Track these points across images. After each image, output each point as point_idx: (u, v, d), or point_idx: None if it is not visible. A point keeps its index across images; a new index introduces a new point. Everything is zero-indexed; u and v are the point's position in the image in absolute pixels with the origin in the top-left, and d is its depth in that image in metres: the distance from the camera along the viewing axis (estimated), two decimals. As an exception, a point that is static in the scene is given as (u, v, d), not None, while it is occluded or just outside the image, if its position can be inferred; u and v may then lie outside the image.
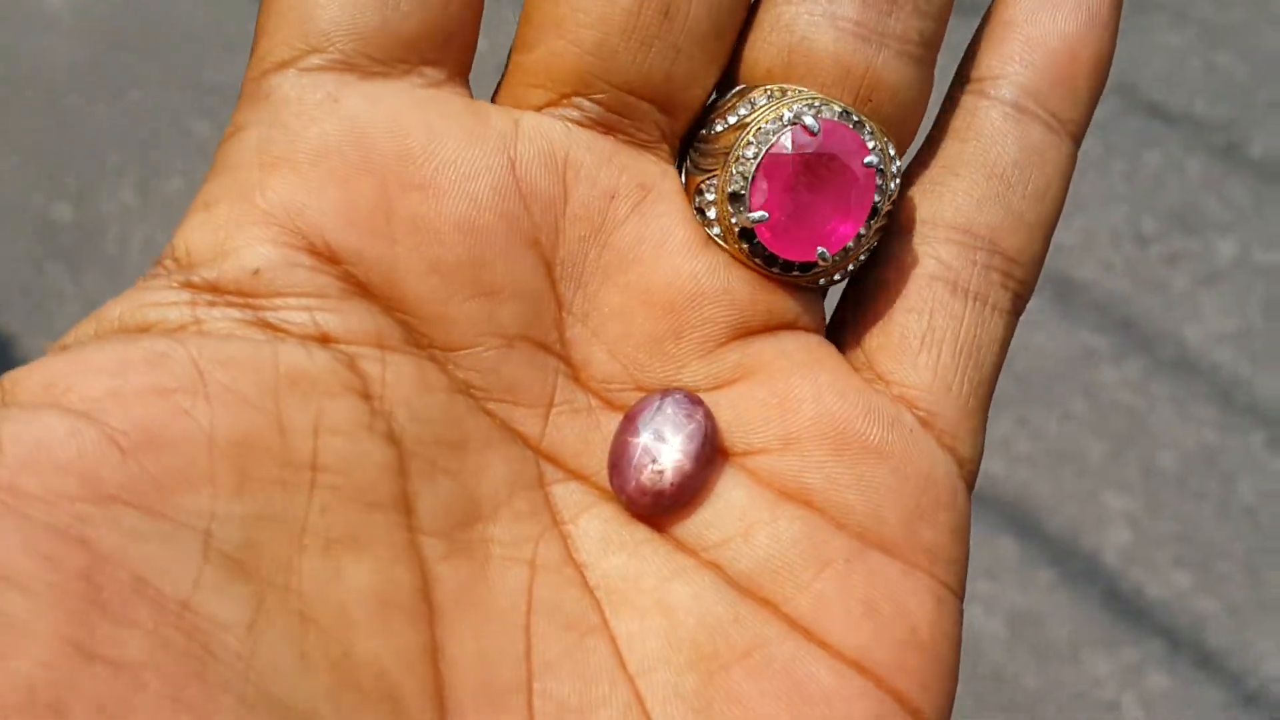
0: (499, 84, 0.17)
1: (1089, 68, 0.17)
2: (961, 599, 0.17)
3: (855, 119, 0.17)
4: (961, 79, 0.18)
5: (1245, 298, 1.07)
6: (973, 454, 0.17)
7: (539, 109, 0.16)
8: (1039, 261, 0.17)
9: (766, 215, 0.16)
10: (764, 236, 0.16)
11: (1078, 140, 0.18)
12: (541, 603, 0.15)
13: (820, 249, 0.17)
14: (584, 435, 0.16)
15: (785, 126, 0.16)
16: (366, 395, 0.15)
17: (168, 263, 0.15)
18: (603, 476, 0.16)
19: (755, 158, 0.16)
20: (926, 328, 0.17)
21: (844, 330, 0.18)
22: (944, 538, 0.17)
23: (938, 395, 0.17)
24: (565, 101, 0.16)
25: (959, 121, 0.18)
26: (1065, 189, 0.18)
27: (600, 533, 0.16)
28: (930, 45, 0.17)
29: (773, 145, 0.16)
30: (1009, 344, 0.17)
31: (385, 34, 0.16)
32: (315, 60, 0.16)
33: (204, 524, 0.13)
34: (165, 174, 1.03)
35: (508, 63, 0.17)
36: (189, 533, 0.13)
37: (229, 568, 0.13)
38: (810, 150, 0.16)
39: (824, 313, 0.18)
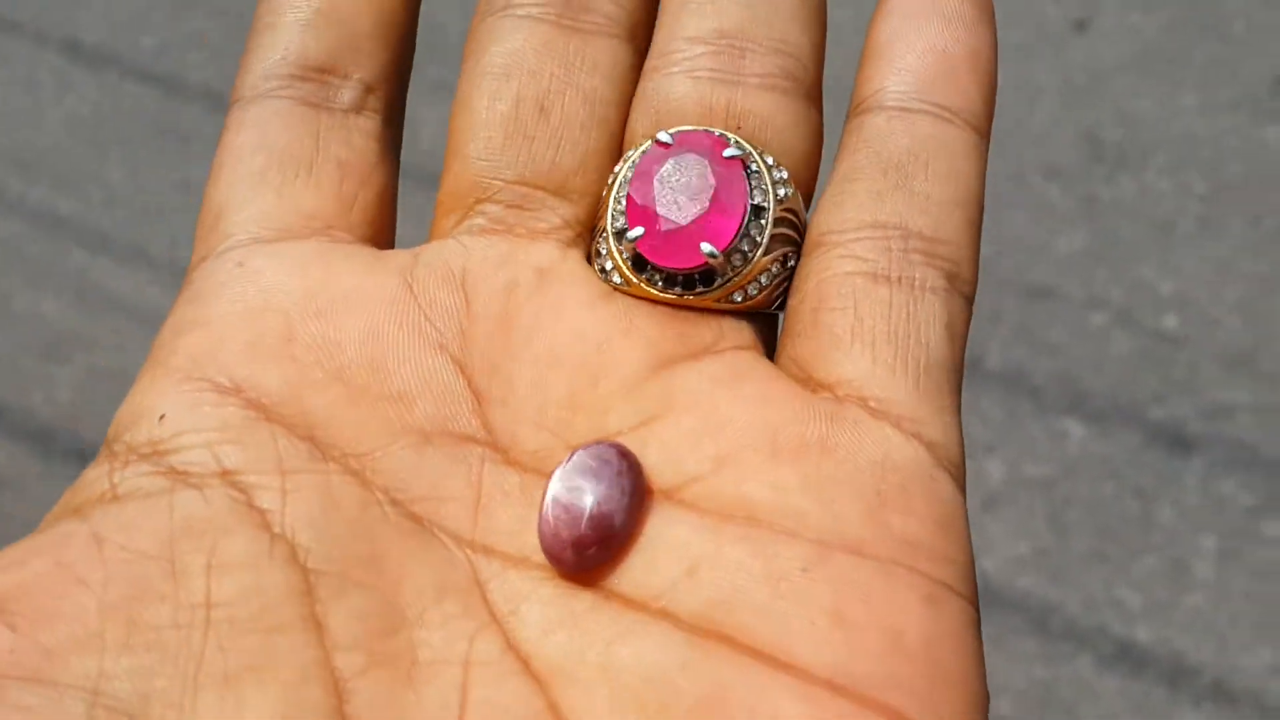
0: (429, 232, 0.19)
1: (965, 62, 0.17)
2: (970, 600, 0.16)
3: (717, 132, 0.17)
4: (849, 114, 0.18)
5: (1028, 518, 1.06)
6: (944, 438, 0.16)
7: (454, 227, 0.18)
8: (967, 240, 0.17)
9: (642, 230, 0.16)
10: (648, 253, 0.16)
11: (979, 130, 0.17)
12: (477, 701, 0.15)
13: (704, 245, 0.16)
14: (519, 515, 0.16)
15: (645, 151, 0.17)
16: (265, 525, 0.15)
17: (102, 446, 0.16)
18: (542, 555, 0.16)
19: (624, 185, 0.17)
20: (853, 319, 0.17)
21: (779, 353, 0.18)
22: (923, 528, 0.15)
23: (881, 382, 0.16)
24: (471, 213, 0.18)
25: (849, 139, 0.18)
26: (978, 173, 0.17)
27: (540, 616, 0.15)
28: (797, 80, 0.18)
29: (635, 169, 0.17)
30: (960, 322, 0.17)
31: (285, 210, 0.17)
32: (225, 245, 0.17)
33: (91, 684, 0.13)
34: None
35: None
36: (75, 694, 0.13)
37: None
38: (669, 157, 0.17)
39: (752, 335, 0.18)
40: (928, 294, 0.17)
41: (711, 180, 0.17)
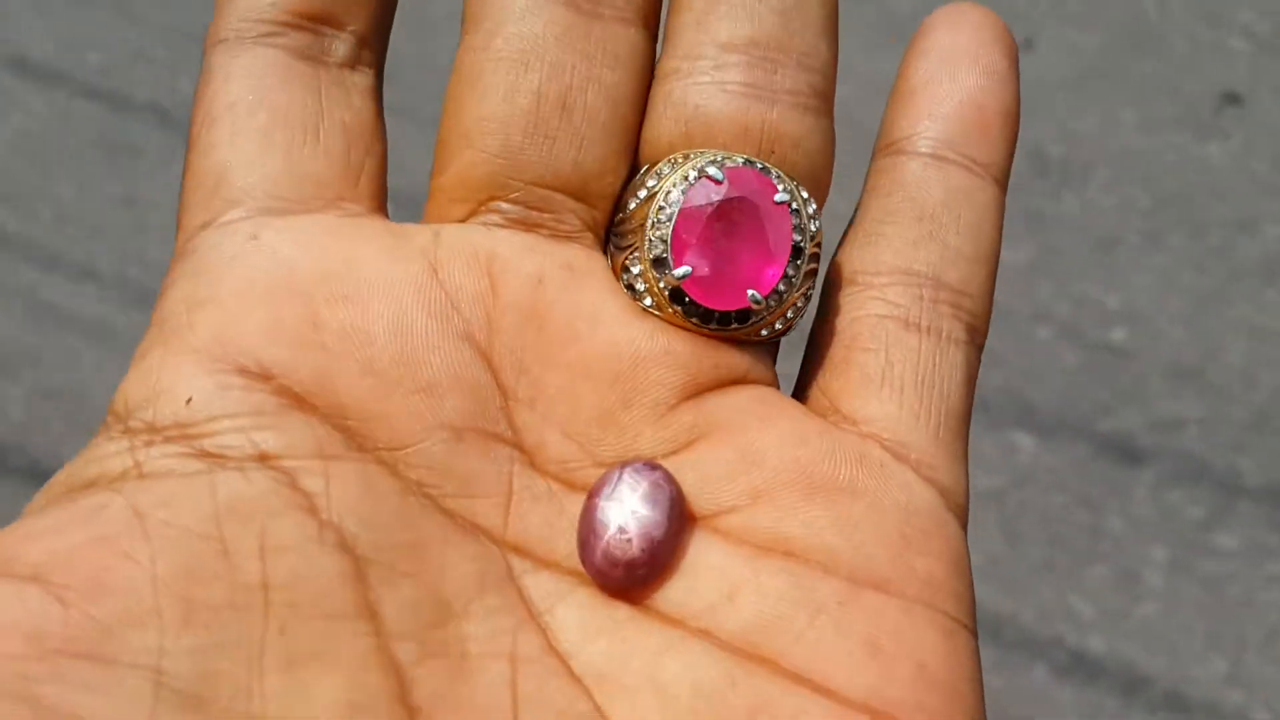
0: (425, 212, 0.18)
1: (998, 118, 0.18)
2: (974, 634, 0.16)
3: (760, 165, 0.17)
4: (878, 149, 0.19)
5: (980, 529, 1.08)
6: (954, 485, 0.16)
7: (461, 220, 0.17)
8: (987, 295, 0.18)
9: (690, 269, 0.17)
10: (693, 293, 0.17)
11: (1001, 184, 0.18)
12: (527, 696, 0.15)
13: (750, 292, 0.17)
14: (548, 521, 0.16)
15: (692, 183, 0.17)
16: (312, 509, 0.15)
17: (109, 419, 0.16)
18: (574, 561, 0.16)
19: (670, 219, 0.17)
20: (885, 363, 0.17)
21: (806, 384, 0.18)
22: (939, 569, 0.16)
23: (906, 427, 0.17)
24: (484, 208, 0.17)
25: (881, 180, 0.18)
26: (998, 227, 0.18)
27: (579, 619, 0.16)
28: (823, 96, 0.18)
29: (684, 202, 0.17)
30: (975, 375, 0.18)
31: (295, 177, 0.17)
32: (234, 214, 0.16)
33: (153, 662, 0.13)
34: None
35: (429, 192, 0.18)
36: (138, 674, 0.13)
37: (183, 704, 0.13)
38: (720, 198, 0.17)
39: (774, 367, 0.18)
40: (953, 345, 0.18)
41: (764, 227, 0.17)
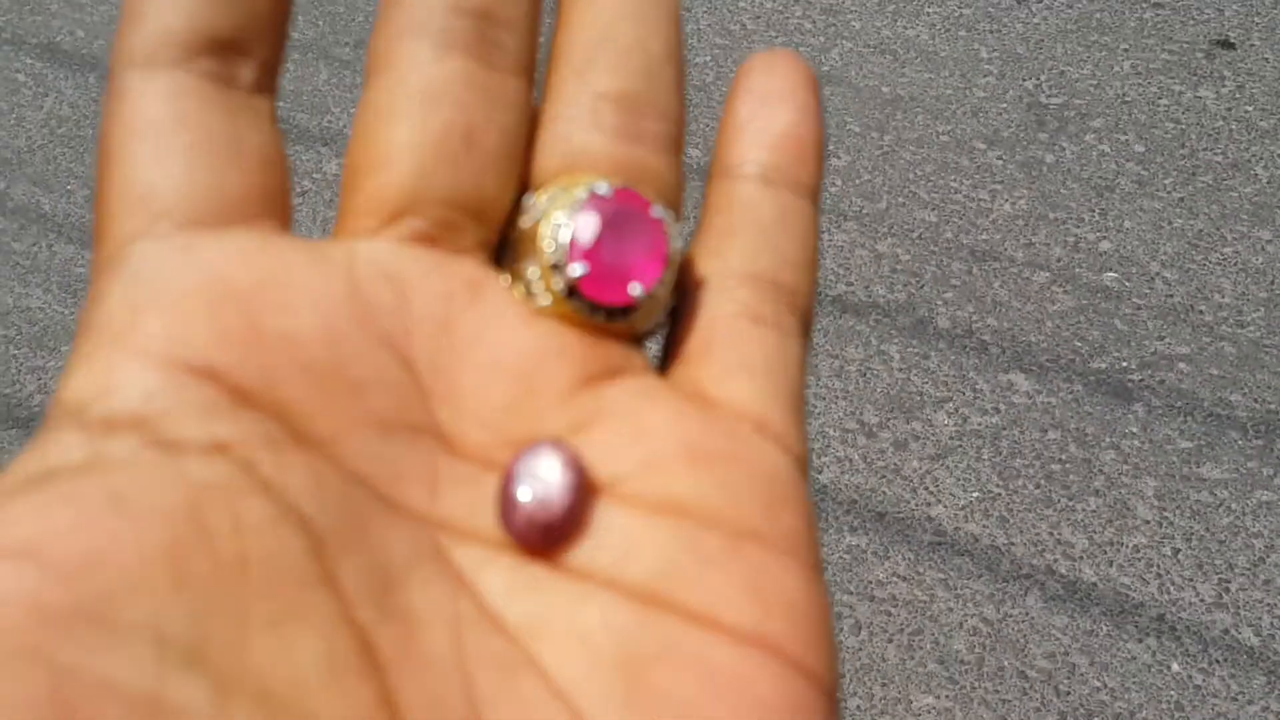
0: (336, 228, 0.20)
1: (810, 145, 0.21)
2: (821, 575, 0.19)
3: (636, 191, 0.20)
4: (713, 173, 0.22)
5: (976, 465, 1.10)
6: (801, 449, 0.19)
7: (372, 233, 0.19)
8: (812, 293, 0.21)
9: (586, 267, 0.19)
10: (586, 288, 0.19)
11: (815, 199, 0.22)
12: (471, 652, 0.17)
13: (633, 284, 0.19)
14: (471, 500, 0.17)
15: (583, 199, 0.19)
16: (270, 492, 0.16)
17: (56, 416, 0.16)
18: (495, 532, 0.18)
19: (568, 228, 0.19)
20: (741, 353, 0.20)
21: (673, 373, 0.21)
22: (799, 523, 0.18)
23: (763, 405, 0.19)
24: (393, 223, 0.19)
25: (721, 201, 0.21)
26: (815, 237, 0.22)
27: (504, 581, 0.17)
28: (675, 141, 0.21)
29: (578, 214, 0.19)
30: (805, 359, 0.20)
31: (218, 195, 0.18)
32: (163, 225, 0.18)
33: (153, 624, 0.14)
34: None
35: (340, 212, 0.20)
36: (140, 634, 0.14)
37: (184, 659, 0.14)
38: (607, 210, 0.19)
39: (646, 359, 0.20)
40: (791, 337, 0.21)
41: (645, 236, 0.21)
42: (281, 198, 0.19)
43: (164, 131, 0.19)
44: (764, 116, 0.22)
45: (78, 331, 0.18)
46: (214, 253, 0.18)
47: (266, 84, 0.20)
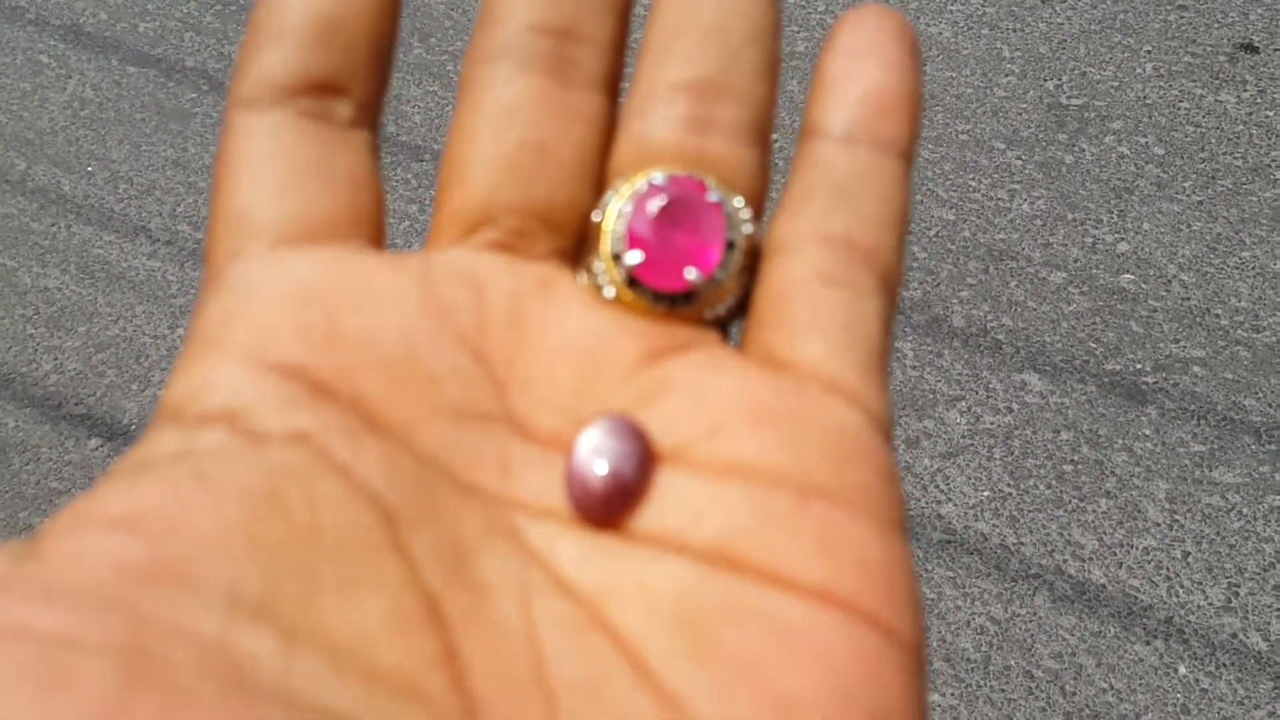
0: (427, 241, 0.21)
1: (899, 100, 0.21)
2: (903, 532, 0.19)
3: (695, 177, 0.20)
4: (802, 136, 0.22)
5: (987, 465, 1.10)
6: (880, 409, 0.19)
7: (456, 245, 0.20)
8: (896, 250, 0.20)
9: (642, 254, 0.20)
10: (642, 275, 0.20)
11: (905, 157, 0.21)
12: (538, 615, 0.17)
13: (689, 269, 0.20)
14: (543, 481, 0.18)
15: (641, 190, 0.20)
16: (346, 474, 0.17)
17: (158, 420, 0.17)
18: (567, 510, 0.18)
19: (625, 219, 0.20)
20: (812, 314, 0.20)
21: (745, 343, 0.21)
22: (871, 478, 0.18)
23: (834, 364, 0.19)
24: (471, 234, 0.20)
25: (802, 162, 0.21)
26: (904, 195, 0.21)
27: (575, 553, 0.18)
28: (756, 127, 0.21)
29: (635, 204, 0.20)
30: (890, 317, 0.20)
31: (308, 217, 0.20)
32: (257, 245, 0.19)
33: (227, 582, 0.15)
34: None
35: (433, 225, 0.21)
36: (215, 590, 0.15)
37: (257, 612, 0.15)
38: (662, 198, 0.20)
39: (719, 335, 0.20)
40: (867, 295, 0.21)
41: (699, 221, 0.21)
42: (373, 217, 0.20)
43: (260, 163, 0.20)
44: (851, 73, 0.21)
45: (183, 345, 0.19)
46: (299, 265, 0.19)
47: (364, 120, 0.21)
